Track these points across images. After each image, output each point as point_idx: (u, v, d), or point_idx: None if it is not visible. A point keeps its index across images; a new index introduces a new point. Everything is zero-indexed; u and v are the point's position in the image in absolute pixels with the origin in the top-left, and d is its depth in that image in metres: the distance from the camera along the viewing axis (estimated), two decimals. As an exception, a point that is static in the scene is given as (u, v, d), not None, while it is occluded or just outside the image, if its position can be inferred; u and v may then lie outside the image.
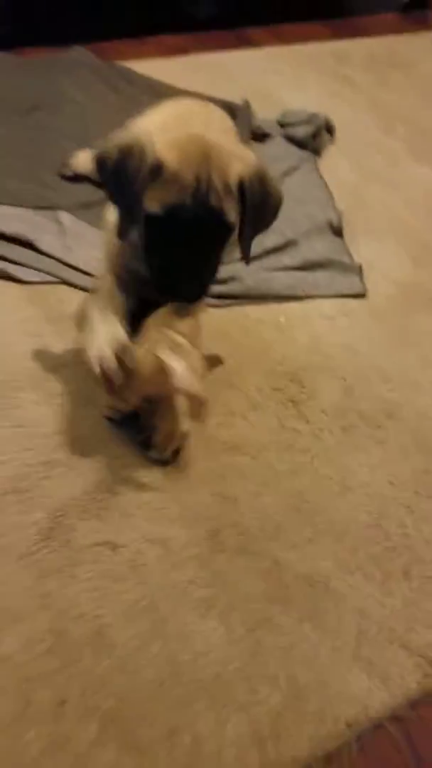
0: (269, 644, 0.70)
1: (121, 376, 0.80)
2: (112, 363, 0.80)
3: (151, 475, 0.85)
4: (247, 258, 0.91)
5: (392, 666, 0.69)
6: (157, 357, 0.80)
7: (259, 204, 0.84)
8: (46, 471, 0.84)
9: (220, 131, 1.16)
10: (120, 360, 0.80)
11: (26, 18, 1.94)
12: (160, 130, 0.88)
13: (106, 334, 0.83)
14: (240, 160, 0.83)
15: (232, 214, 0.82)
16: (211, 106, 1.31)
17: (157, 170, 0.78)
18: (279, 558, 0.78)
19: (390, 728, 0.65)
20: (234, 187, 0.81)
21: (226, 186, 0.80)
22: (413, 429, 0.96)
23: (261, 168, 0.85)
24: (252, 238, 0.90)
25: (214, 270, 0.89)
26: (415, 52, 2.20)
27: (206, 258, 0.85)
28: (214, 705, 0.65)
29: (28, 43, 1.90)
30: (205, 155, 0.79)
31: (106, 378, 0.81)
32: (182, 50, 2.03)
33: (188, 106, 1.28)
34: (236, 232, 0.87)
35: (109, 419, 0.90)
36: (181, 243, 0.82)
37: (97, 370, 0.81)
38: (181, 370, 0.80)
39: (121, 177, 0.81)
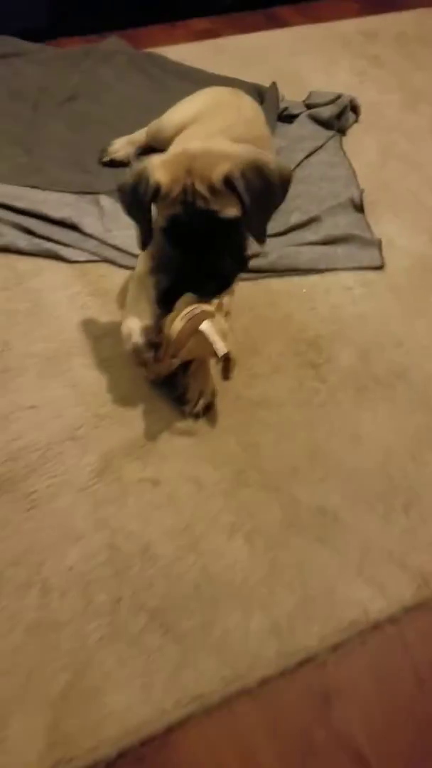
0: (285, 560, 0.84)
1: (149, 352, 0.95)
2: (139, 341, 0.95)
3: (185, 426, 0.99)
4: (262, 239, 0.97)
5: (390, 580, 0.82)
6: (189, 322, 0.91)
7: (261, 189, 0.92)
8: (97, 422, 0.99)
9: (247, 121, 1.26)
10: (147, 339, 0.94)
11: (62, 9, 2.04)
12: (186, 129, 1.02)
13: (135, 317, 0.98)
14: (227, 159, 0.90)
15: (228, 210, 0.91)
16: (241, 94, 1.41)
17: (157, 191, 0.92)
18: (295, 493, 0.91)
19: (386, 628, 0.78)
20: (220, 185, 0.90)
21: (212, 187, 0.90)
22: (420, 390, 1.05)
23: (254, 157, 0.92)
24: (264, 220, 0.97)
25: (238, 262, 0.97)
26: (445, 25, 2.19)
27: (221, 253, 0.94)
28: (240, 605, 0.79)
29: (64, 34, 2.01)
30: (187, 168, 0.90)
31: (134, 353, 0.96)
32: (213, 33, 2.09)
33: (220, 95, 1.38)
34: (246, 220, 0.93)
35: (151, 381, 1.03)
36: (193, 245, 0.93)
37: (127, 348, 0.96)
38: (210, 332, 0.90)
39: (135, 199, 0.96)
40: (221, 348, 0.91)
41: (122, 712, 0.71)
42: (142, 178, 0.93)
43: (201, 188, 0.90)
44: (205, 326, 0.91)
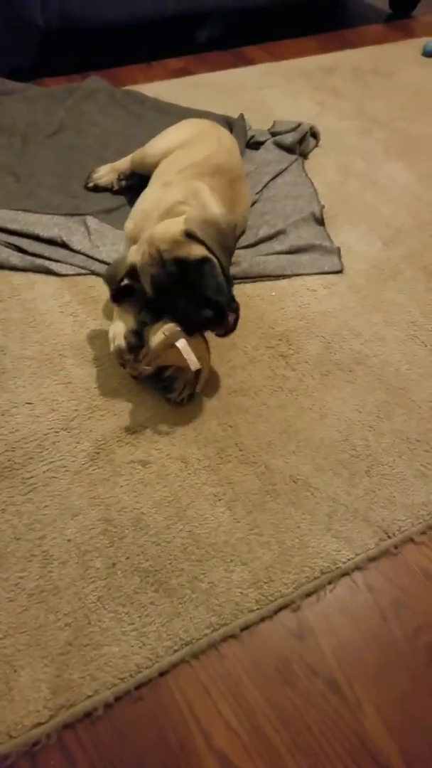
0: (263, 521, 0.94)
1: (129, 354, 1.05)
2: (122, 344, 1.06)
3: (170, 413, 1.09)
4: (230, 284, 1.08)
5: (355, 534, 0.92)
6: (166, 337, 1.00)
7: (217, 236, 1.05)
8: (89, 414, 1.08)
9: (228, 150, 1.41)
10: (129, 344, 1.05)
11: (46, 51, 2.21)
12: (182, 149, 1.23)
13: (122, 321, 1.09)
14: (180, 223, 1.04)
15: (194, 252, 1.02)
16: (218, 126, 1.57)
17: (134, 270, 1.07)
18: (270, 464, 1.01)
19: (353, 575, 0.88)
20: (181, 237, 1.02)
21: (175, 241, 1.02)
22: (377, 372, 1.18)
23: (203, 216, 1.07)
24: (226, 265, 1.07)
25: (222, 293, 1.04)
26: (396, 61, 2.40)
27: (205, 292, 1.02)
28: (224, 561, 0.89)
29: (48, 74, 2.19)
30: (149, 242, 1.04)
31: (116, 354, 1.07)
32: (186, 71, 2.28)
33: (200, 126, 1.54)
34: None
35: (134, 378, 1.14)
36: (182, 293, 1.03)
37: (111, 349, 1.08)
38: (185, 350, 0.99)
39: (113, 279, 1.12)
40: (193, 364, 1.00)
41: (119, 660, 0.79)
42: (119, 266, 1.10)
43: (164, 246, 1.02)
44: (181, 344, 1.00)
